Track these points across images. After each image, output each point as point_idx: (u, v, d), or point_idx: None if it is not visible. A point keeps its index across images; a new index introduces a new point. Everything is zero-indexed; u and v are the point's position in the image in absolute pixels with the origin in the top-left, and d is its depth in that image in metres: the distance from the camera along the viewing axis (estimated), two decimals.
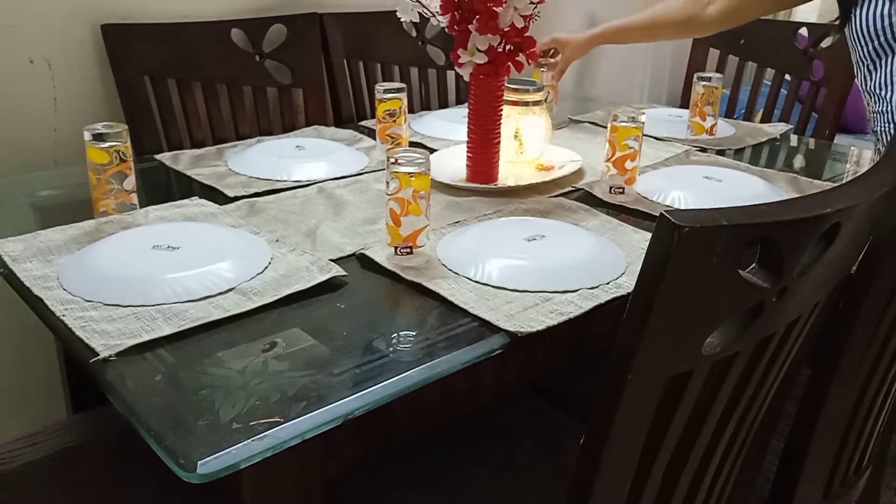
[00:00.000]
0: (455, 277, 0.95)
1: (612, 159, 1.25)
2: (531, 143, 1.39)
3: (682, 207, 1.23)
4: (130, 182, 1.11)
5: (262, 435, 0.66)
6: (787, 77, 2.06)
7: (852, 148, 1.71)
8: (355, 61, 1.83)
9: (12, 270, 0.95)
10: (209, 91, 1.61)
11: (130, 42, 1.49)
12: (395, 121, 1.42)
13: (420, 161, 0.96)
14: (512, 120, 1.35)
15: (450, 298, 0.90)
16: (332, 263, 0.97)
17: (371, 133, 1.54)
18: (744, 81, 2.13)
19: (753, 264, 0.63)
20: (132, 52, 1.50)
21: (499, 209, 1.20)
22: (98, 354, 0.77)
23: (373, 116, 1.52)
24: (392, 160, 0.96)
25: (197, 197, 1.21)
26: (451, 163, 1.33)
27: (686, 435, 0.72)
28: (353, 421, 0.71)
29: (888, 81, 1.29)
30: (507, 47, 1.19)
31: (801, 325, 0.75)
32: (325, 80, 1.78)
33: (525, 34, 1.20)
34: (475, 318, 0.87)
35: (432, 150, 1.43)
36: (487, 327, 0.85)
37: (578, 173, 1.37)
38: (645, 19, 1.66)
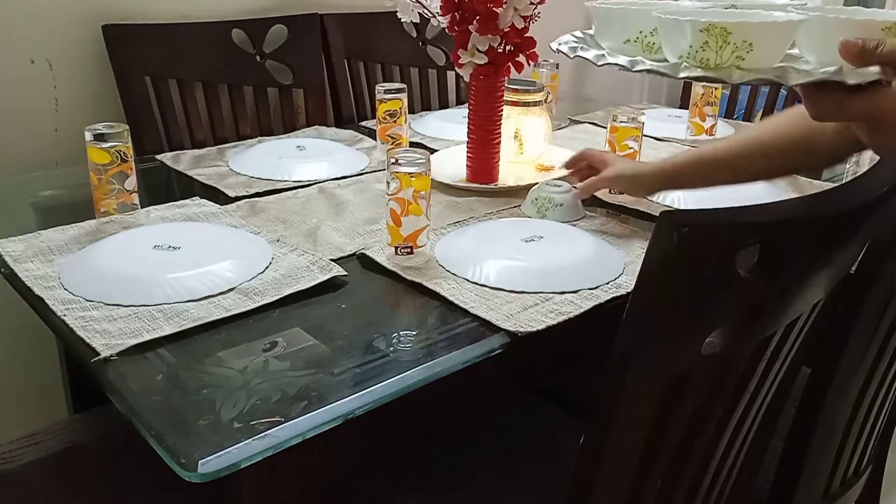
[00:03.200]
0: (454, 277, 0.95)
1: None
2: (531, 144, 1.39)
3: (682, 207, 1.23)
4: (131, 182, 1.11)
5: (262, 434, 0.66)
6: None
7: None
8: (356, 61, 1.83)
9: (13, 270, 0.95)
10: (210, 91, 1.61)
11: (131, 42, 1.50)
12: (395, 121, 1.42)
13: (420, 161, 0.96)
14: (512, 120, 1.35)
15: (450, 298, 0.90)
16: (333, 263, 0.97)
17: (371, 133, 1.54)
18: None
19: (753, 264, 0.63)
20: (133, 52, 1.50)
21: (499, 209, 1.20)
22: (99, 354, 0.77)
23: (373, 117, 1.53)
24: (392, 160, 0.96)
25: (198, 197, 1.21)
26: (452, 163, 1.33)
27: (686, 435, 0.72)
28: (353, 420, 0.71)
29: None
30: (508, 48, 1.19)
31: (800, 324, 0.75)
32: (325, 80, 1.78)
33: (525, 35, 1.20)
34: (475, 317, 0.87)
35: (432, 151, 1.43)
36: (487, 327, 0.85)
37: None
38: (743, 143, 1.08)
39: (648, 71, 0.74)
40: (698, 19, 0.69)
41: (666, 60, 0.75)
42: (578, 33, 0.91)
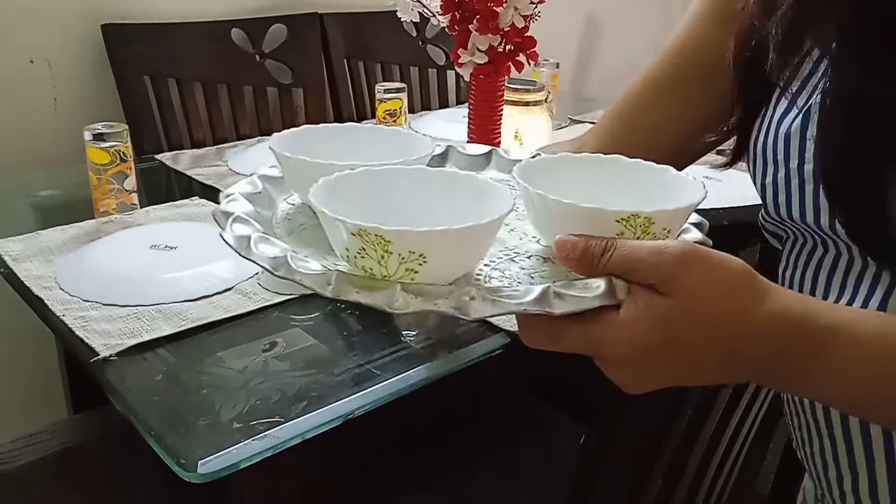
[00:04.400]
0: None
1: None
2: (531, 143, 1.39)
3: None
4: (131, 182, 1.11)
5: (262, 435, 0.66)
6: None
7: None
8: (355, 61, 1.83)
9: (12, 270, 0.95)
10: (209, 91, 1.61)
11: (131, 42, 1.49)
12: (395, 121, 1.42)
13: None
14: (512, 120, 1.35)
15: None
16: None
17: None
18: None
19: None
20: (132, 51, 1.50)
21: None
22: (98, 354, 0.77)
23: (373, 116, 1.52)
24: None
25: (197, 197, 1.21)
26: None
27: (686, 435, 0.72)
28: (353, 421, 0.71)
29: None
30: (508, 47, 1.19)
31: None
32: (325, 80, 1.78)
33: (525, 34, 1.20)
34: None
35: None
36: (487, 327, 0.85)
37: None
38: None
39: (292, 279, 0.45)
40: (346, 220, 0.44)
41: None
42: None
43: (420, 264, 0.45)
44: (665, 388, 0.46)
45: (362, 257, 0.45)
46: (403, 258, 0.44)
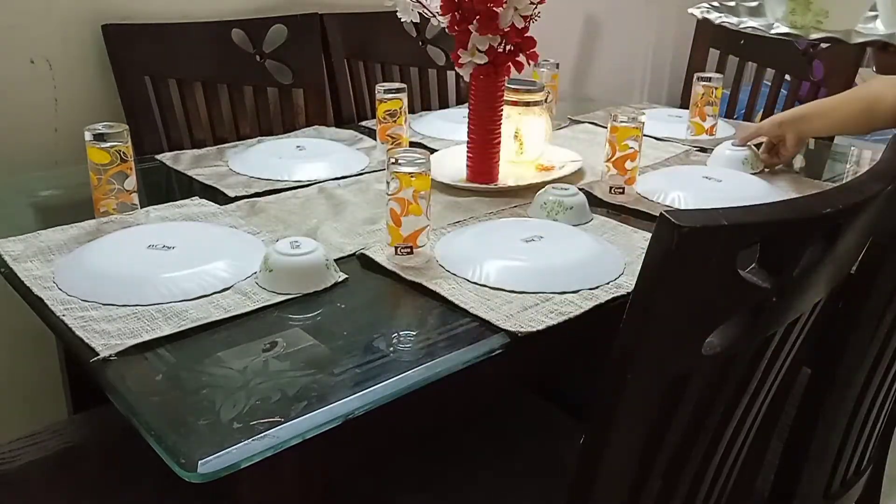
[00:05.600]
0: (454, 277, 0.95)
1: (612, 159, 1.25)
2: (531, 143, 1.39)
3: (682, 207, 1.23)
4: (131, 182, 1.11)
5: (262, 435, 0.66)
6: (787, 77, 2.05)
7: (852, 148, 1.71)
8: (356, 61, 1.83)
9: (13, 270, 0.95)
10: (210, 91, 1.61)
11: (131, 42, 1.49)
12: (395, 121, 1.42)
13: (420, 161, 0.96)
14: (512, 120, 1.35)
15: (450, 298, 0.90)
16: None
17: (371, 133, 1.54)
18: (744, 81, 2.13)
19: (753, 264, 0.63)
20: (133, 52, 1.50)
21: (499, 209, 1.20)
22: (98, 354, 0.77)
23: (373, 116, 1.53)
24: (392, 160, 0.96)
25: (197, 197, 1.21)
26: (452, 163, 1.33)
27: (686, 435, 0.72)
28: (353, 421, 0.71)
29: None
30: (508, 48, 1.19)
31: (801, 324, 0.75)
32: (325, 80, 1.78)
33: (525, 34, 1.20)
34: (475, 318, 0.87)
35: (432, 151, 1.43)
36: (487, 327, 0.85)
37: (578, 173, 1.37)
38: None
39: (749, 26, 1.04)
40: None
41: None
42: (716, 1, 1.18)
43: (825, 17, 0.95)
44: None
45: (792, 14, 0.98)
46: (816, 13, 0.94)
